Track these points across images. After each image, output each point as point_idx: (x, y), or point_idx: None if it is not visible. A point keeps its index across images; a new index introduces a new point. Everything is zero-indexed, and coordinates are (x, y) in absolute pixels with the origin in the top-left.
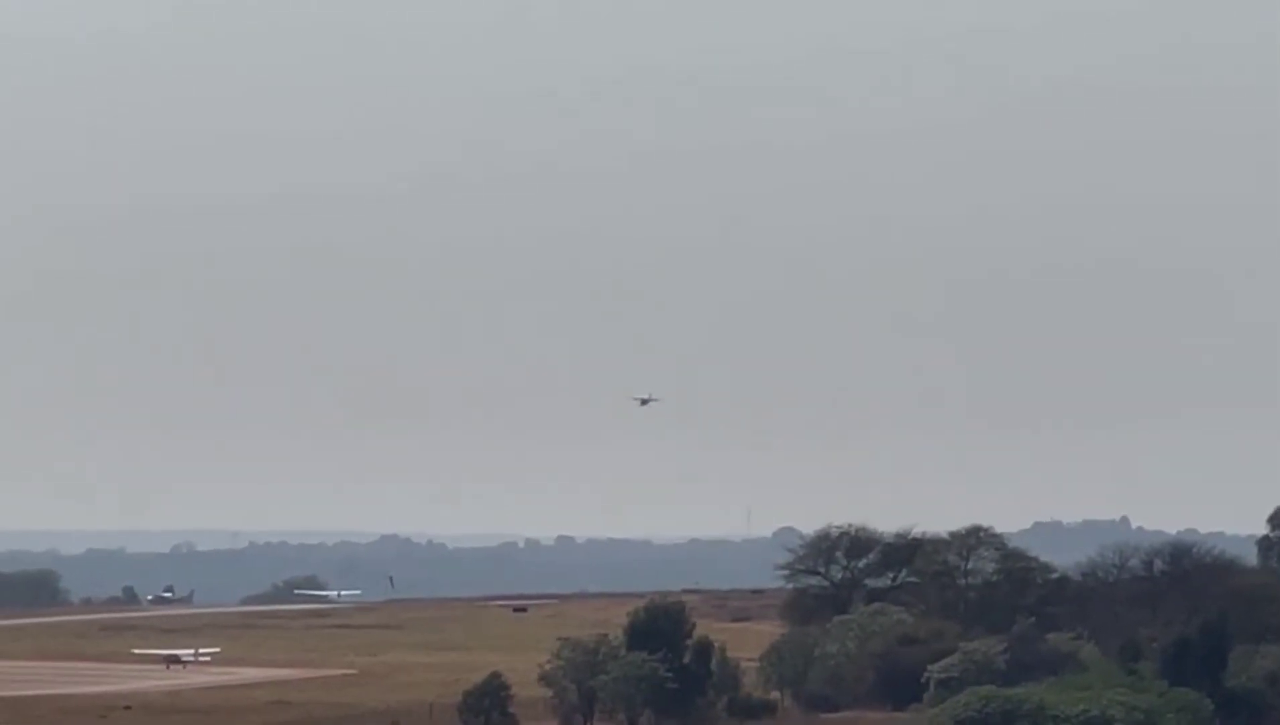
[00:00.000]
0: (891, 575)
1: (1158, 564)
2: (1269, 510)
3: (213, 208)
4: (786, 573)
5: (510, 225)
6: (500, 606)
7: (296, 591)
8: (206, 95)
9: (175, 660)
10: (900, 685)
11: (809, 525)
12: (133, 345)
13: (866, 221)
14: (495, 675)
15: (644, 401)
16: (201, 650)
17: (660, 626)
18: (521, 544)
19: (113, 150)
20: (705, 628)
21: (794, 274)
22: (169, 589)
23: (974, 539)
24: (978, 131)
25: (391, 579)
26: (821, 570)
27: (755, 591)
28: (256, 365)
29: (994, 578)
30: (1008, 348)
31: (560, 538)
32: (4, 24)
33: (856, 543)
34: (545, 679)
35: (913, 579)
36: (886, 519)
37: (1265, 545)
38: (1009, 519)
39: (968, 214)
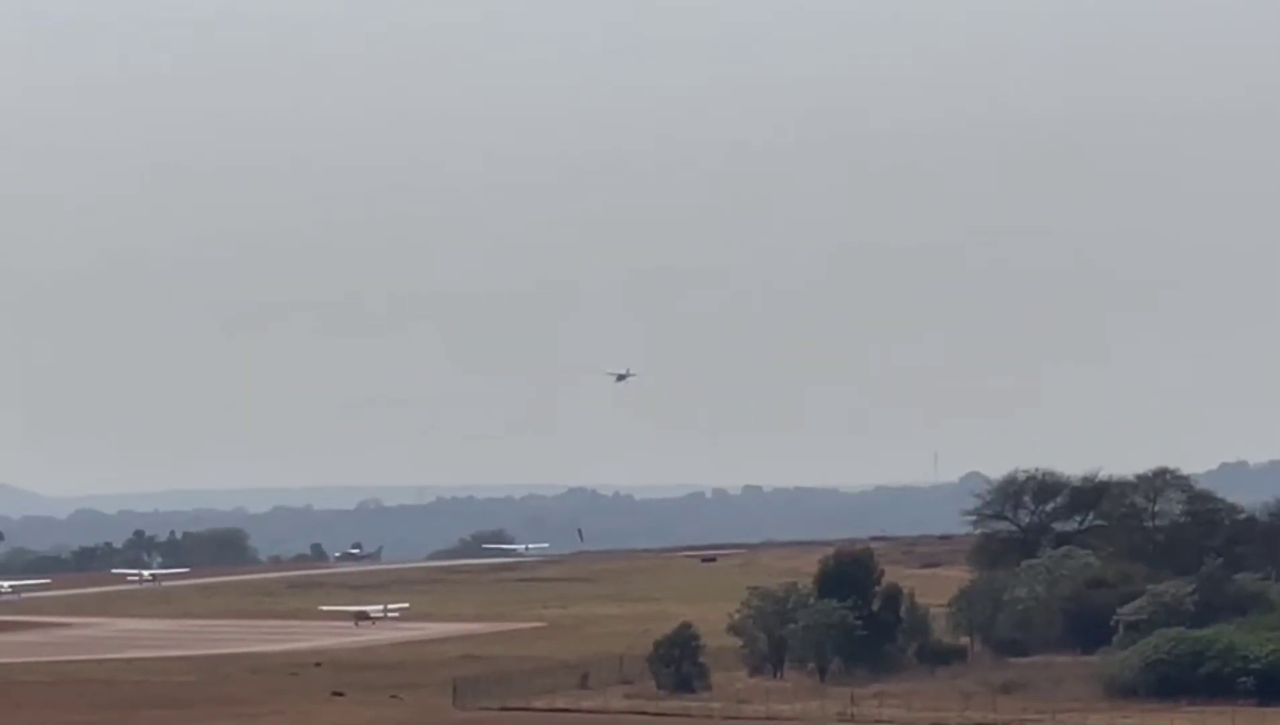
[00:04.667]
0: (1079, 519)
1: None
2: None
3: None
4: (974, 518)
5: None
6: (688, 557)
7: (484, 546)
8: None
9: (364, 616)
10: (1089, 628)
11: (996, 470)
12: (316, 307)
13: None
14: (685, 625)
15: (620, 377)
16: (390, 606)
17: (849, 574)
18: (709, 494)
19: None
20: (894, 574)
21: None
22: (357, 546)
23: (1161, 481)
24: None
25: (580, 531)
26: (1009, 515)
27: (943, 537)
28: (446, 318)
29: (1181, 519)
30: (1192, 290)
31: (747, 487)
32: None
33: (1043, 487)
34: (735, 628)
35: (1100, 522)
36: (1073, 462)
37: None
38: (1195, 461)
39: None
